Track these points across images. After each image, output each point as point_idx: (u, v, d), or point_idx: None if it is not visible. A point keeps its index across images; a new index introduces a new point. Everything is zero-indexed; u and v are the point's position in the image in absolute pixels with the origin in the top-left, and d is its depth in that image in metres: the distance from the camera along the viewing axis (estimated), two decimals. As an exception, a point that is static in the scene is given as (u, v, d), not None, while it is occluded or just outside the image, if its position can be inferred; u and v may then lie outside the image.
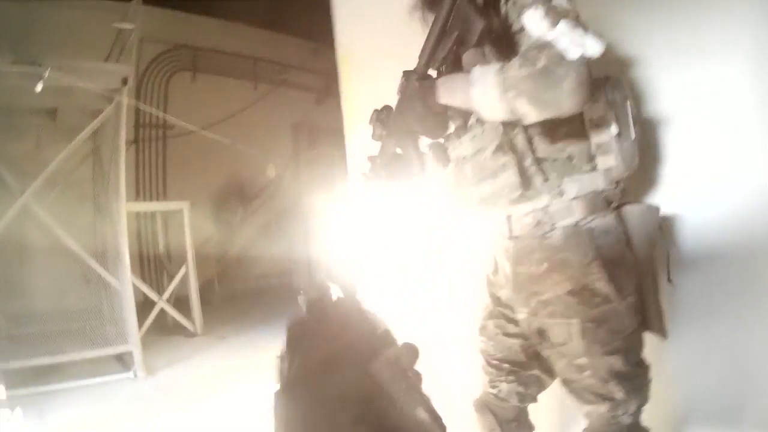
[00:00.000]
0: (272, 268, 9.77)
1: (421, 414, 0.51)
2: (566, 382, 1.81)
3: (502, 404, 2.01)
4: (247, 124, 9.67)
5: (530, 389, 2.02)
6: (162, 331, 6.87)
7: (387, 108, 1.87)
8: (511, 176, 1.66)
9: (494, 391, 2.01)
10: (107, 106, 5.63)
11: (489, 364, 2.02)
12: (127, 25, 5.90)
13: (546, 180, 1.68)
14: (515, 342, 1.95)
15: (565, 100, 1.42)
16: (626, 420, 1.74)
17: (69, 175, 5.86)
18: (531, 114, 1.45)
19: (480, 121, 1.70)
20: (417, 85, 1.67)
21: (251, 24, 9.81)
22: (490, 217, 1.93)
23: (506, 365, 1.98)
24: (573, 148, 1.68)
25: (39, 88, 4.95)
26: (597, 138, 1.70)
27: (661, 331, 1.77)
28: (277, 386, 0.54)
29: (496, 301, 1.99)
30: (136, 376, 5.21)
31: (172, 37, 9.05)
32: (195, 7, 8.98)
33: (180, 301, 7.21)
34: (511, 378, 1.98)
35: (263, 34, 9.98)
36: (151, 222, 8.22)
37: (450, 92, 1.60)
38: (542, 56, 1.39)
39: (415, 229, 2.92)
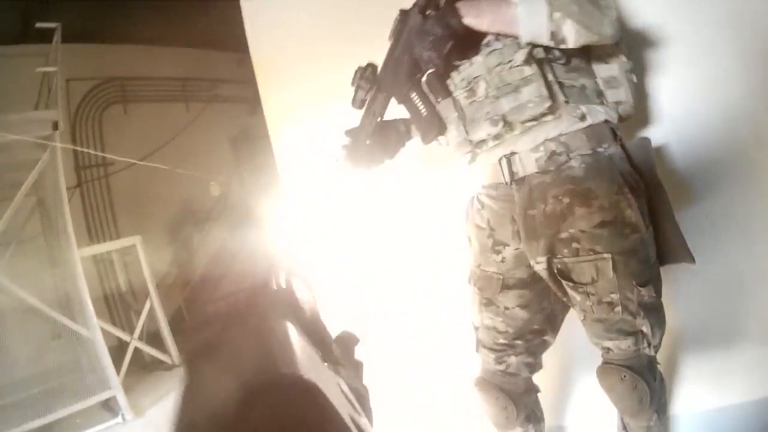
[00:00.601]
0: (238, 284, 9.69)
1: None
2: (591, 322, 1.76)
3: (511, 379, 1.96)
4: (186, 145, 9.52)
5: (538, 356, 2.01)
6: (142, 369, 6.79)
7: (372, 65, 1.86)
8: (537, 88, 1.62)
9: (501, 367, 1.96)
10: (43, 154, 5.51)
11: (495, 342, 1.95)
12: (50, 69, 5.77)
13: (566, 102, 1.65)
14: (525, 313, 1.90)
15: (607, 28, 1.52)
16: (650, 352, 1.74)
17: (19, 232, 5.73)
18: (571, 37, 1.50)
19: (500, 39, 1.67)
20: (421, 18, 1.66)
21: (175, 45, 9.66)
22: (478, 172, 1.90)
23: (518, 340, 1.93)
24: (584, 80, 1.70)
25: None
26: (606, 72, 1.72)
27: (689, 258, 1.76)
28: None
29: (497, 267, 1.89)
30: (124, 419, 5.17)
31: (98, 72, 8.83)
32: (116, 37, 8.74)
33: (154, 336, 7.13)
34: (520, 350, 1.94)
35: (188, 54, 9.83)
36: (108, 263, 8.08)
37: (477, 12, 1.60)
38: None
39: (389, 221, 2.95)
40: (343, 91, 2.81)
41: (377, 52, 2.61)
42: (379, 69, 1.87)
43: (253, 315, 0.53)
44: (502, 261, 1.86)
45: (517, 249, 1.82)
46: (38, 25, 5.54)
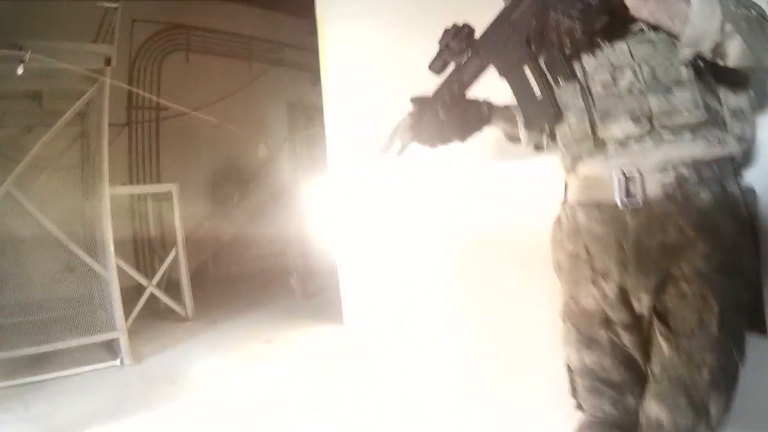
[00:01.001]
0: (267, 249, 9.72)
1: None
2: (665, 382, 1.46)
3: (632, 417, 1.63)
4: (243, 104, 9.59)
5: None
6: (153, 316, 6.84)
7: (468, 25, 1.58)
8: (692, 96, 1.39)
9: (617, 411, 1.65)
10: (92, 87, 5.55)
11: (604, 383, 1.65)
12: (111, 4, 5.78)
13: (707, 122, 1.41)
14: (633, 346, 1.60)
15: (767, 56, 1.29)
16: None
17: (56, 159, 5.78)
18: (734, 54, 1.27)
19: (654, 30, 1.42)
20: None
21: (245, 3, 9.65)
22: (582, 187, 1.61)
23: (630, 375, 1.62)
24: (716, 104, 1.44)
25: (20, 71, 4.89)
26: (734, 103, 1.45)
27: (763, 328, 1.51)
28: None
29: (596, 303, 1.61)
30: (122, 363, 5.18)
31: (164, 17, 8.93)
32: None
33: (173, 286, 7.19)
34: (637, 387, 1.60)
35: (257, 13, 9.83)
36: (143, 206, 8.17)
37: None
38: (751, 6, 1.27)
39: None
40: (408, 76, 2.75)
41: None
42: (478, 33, 1.58)
43: None
44: (604, 297, 1.59)
45: (621, 284, 1.54)
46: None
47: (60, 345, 4.95)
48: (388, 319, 3.05)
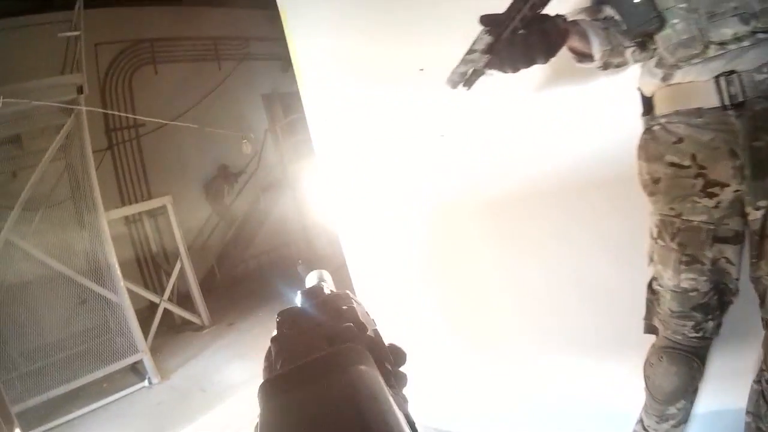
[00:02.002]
0: (269, 243, 9.79)
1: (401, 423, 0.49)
2: None
3: (705, 343, 1.73)
4: (219, 104, 9.56)
5: (725, 313, 1.72)
6: (171, 331, 6.95)
7: None
8: None
9: (698, 334, 1.69)
10: (69, 118, 5.56)
11: (694, 306, 1.66)
12: (73, 33, 5.77)
13: None
14: (734, 268, 1.60)
15: None
16: None
17: (47, 197, 5.81)
18: None
19: None
20: None
21: (203, 5, 9.57)
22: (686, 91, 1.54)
23: (717, 299, 1.65)
24: None
25: (-5, 118, 4.91)
26: None
27: None
28: (264, 377, 0.52)
29: (708, 215, 1.56)
30: (150, 383, 5.29)
31: (125, 35, 8.85)
32: (143, -1, 8.77)
33: (185, 297, 7.27)
34: (718, 312, 1.67)
35: (217, 12, 9.74)
36: (140, 225, 8.21)
37: None
38: None
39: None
40: (377, 49, 2.75)
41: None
42: None
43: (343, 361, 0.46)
44: (716, 206, 1.54)
45: (736, 191, 1.50)
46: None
47: (87, 379, 5.06)
48: (400, 290, 3.06)
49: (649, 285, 1.78)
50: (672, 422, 1.85)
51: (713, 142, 1.49)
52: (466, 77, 1.46)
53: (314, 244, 8.44)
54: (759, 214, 1.47)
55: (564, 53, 1.51)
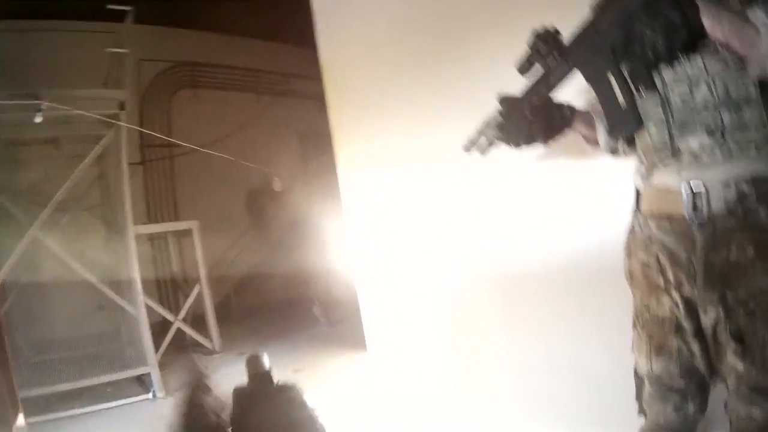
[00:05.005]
0: (289, 280, 9.74)
1: None
2: (745, 388, 1.54)
3: (689, 426, 1.74)
4: (253, 137, 9.64)
5: (707, 395, 1.75)
6: (181, 350, 6.86)
7: (557, 30, 1.64)
8: (759, 114, 1.46)
9: (679, 416, 1.72)
10: (108, 131, 5.66)
11: (670, 389, 1.71)
12: (120, 50, 5.92)
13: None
14: (700, 355, 1.64)
15: None
16: None
17: (78, 202, 5.88)
18: None
19: (726, 49, 1.47)
20: None
21: (249, 36, 9.78)
22: (653, 198, 1.66)
23: (693, 383, 1.69)
24: None
25: (38, 119, 5.03)
26: None
27: None
28: None
29: (669, 310, 1.66)
30: (155, 396, 5.24)
31: (170, 55, 9.08)
32: (191, 22, 8.98)
33: (199, 320, 7.23)
34: (697, 395, 1.71)
35: (262, 46, 9.97)
36: (163, 243, 8.25)
37: (716, 15, 1.40)
38: None
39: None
40: (407, 95, 2.81)
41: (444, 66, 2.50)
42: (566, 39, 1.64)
43: None
44: (676, 305, 1.63)
45: (687, 296, 1.60)
46: (110, 6, 5.62)
47: (93, 380, 5.04)
48: (410, 344, 3.16)
49: (635, 370, 1.84)
50: None
51: (675, 248, 1.59)
52: (478, 145, 1.78)
53: (332, 288, 8.40)
54: (708, 321, 1.55)
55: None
